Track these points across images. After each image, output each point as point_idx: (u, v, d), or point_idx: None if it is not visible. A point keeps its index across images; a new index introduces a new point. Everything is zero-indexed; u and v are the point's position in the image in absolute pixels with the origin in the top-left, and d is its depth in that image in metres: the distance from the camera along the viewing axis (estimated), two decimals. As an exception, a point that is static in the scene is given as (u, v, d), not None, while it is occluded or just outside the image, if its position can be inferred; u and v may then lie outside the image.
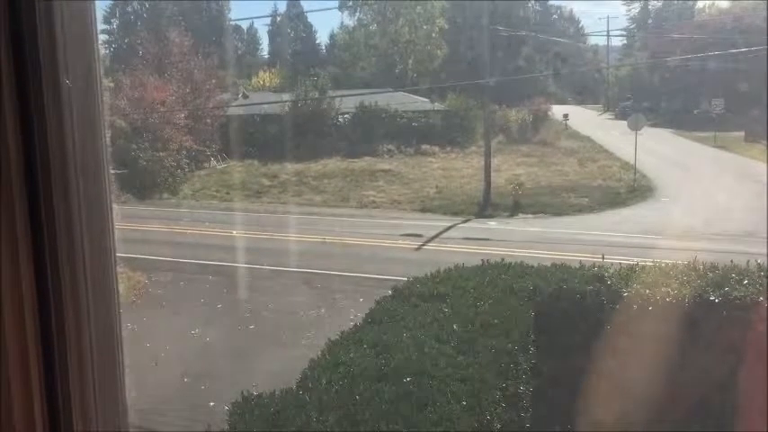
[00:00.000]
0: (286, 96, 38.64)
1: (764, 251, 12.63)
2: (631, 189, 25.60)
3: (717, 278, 6.59)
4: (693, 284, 6.46)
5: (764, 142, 36.56)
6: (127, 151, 27.20)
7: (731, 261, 7.06)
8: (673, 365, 6.12)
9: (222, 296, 13.51)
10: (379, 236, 19.24)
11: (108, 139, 1.21)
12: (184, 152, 29.79)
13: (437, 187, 26.76)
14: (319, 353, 5.46)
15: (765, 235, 17.79)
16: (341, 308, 12.08)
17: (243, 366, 9.50)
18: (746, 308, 6.06)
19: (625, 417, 6.07)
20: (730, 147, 38.62)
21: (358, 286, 13.51)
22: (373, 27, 56.83)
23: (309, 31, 73.06)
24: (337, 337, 5.78)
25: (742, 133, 41.21)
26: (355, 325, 6.15)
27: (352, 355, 5.22)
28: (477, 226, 20.83)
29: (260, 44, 77.93)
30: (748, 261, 7.03)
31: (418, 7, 52.54)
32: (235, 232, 19.80)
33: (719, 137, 40.62)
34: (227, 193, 27.44)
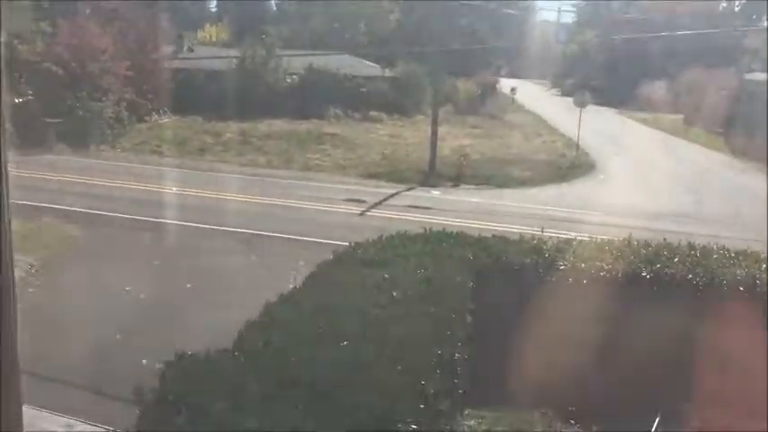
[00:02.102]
0: (233, 53, 37.73)
1: (696, 231, 13.09)
2: (573, 165, 26.10)
3: (649, 255, 6.78)
4: (627, 260, 6.64)
5: (702, 126, 37.73)
6: (63, 100, 26.18)
7: (664, 239, 7.28)
8: (602, 337, 6.30)
9: (158, 253, 13.24)
10: (322, 199, 19.14)
11: (5, 80, 1.13)
12: (125, 104, 28.86)
13: (383, 154, 26.72)
14: (257, 314, 5.40)
15: (700, 216, 18.44)
16: (280, 270, 11.98)
17: (177, 325, 9.36)
18: (676, 284, 6.26)
19: (552, 384, 6.23)
20: (670, 129, 39.69)
21: (299, 249, 13.43)
22: (329, -13, 55.83)
23: (258, -14, 71.20)
24: (276, 299, 5.73)
25: (681, 116, 42.38)
26: (294, 287, 6.11)
27: (290, 317, 5.18)
28: (421, 194, 20.92)
29: (208, -3, 75.66)
30: (679, 240, 7.27)
31: (372, -30, 51.82)
32: (175, 189, 19.39)
33: (660, 118, 41.70)
34: (168, 149, 26.77)
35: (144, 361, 7.75)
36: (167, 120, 32.07)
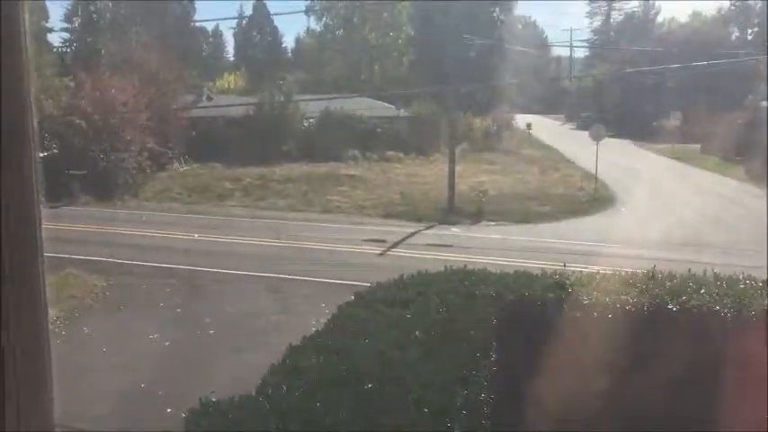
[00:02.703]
0: (251, 99, 38.37)
1: (720, 261, 12.92)
2: (592, 198, 25.99)
3: (674, 287, 6.69)
4: (652, 293, 6.55)
5: (720, 155, 37.48)
6: (86, 152, 26.68)
7: (689, 270, 7.19)
8: (630, 372, 6.19)
9: (182, 300, 13.30)
10: (342, 241, 19.18)
11: (35, 136, 1.19)
12: (146, 154, 29.35)
13: (401, 193, 26.82)
14: (280, 358, 5.40)
15: (722, 245, 18.21)
16: (302, 313, 11.98)
17: (202, 372, 9.36)
18: (703, 316, 6.16)
19: (579, 421, 6.12)
20: (687, 158, 39.51)
21: (320, 291, 13.43)
22: (340, 32, 56.87)
23: (275, 34, 72.83)
24: (298, 342, 5.72)
25: (698, 146, 42.20)
26: (317, 330, 6.09)
27: (313, 360, 5.17)
28: (441, 232, 20.90)
29: (225, 46, 77.47)
30: (705, 270, 7.17)
31: (385, 13, 52.75)
32: (197, 236, 19.56)
33: (677, 149, 41.55)
34: (189, 196, 27.08)
35: (168, 410, 7.75)
36: (187, 167, 32.53)
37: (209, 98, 40.97)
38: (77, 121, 27.39)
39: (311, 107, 36.48)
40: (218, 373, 9.17)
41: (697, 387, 5.93)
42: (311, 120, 37.61)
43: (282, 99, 38.21)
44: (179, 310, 12.68)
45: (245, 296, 13.62)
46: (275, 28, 73.27)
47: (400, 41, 53.88)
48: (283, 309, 12.66)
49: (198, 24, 68.55)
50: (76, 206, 23.71)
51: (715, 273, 7.08)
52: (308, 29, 64.67)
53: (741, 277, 6.94)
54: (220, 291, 13.97)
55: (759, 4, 58.85)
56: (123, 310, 12.70)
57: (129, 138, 28.37)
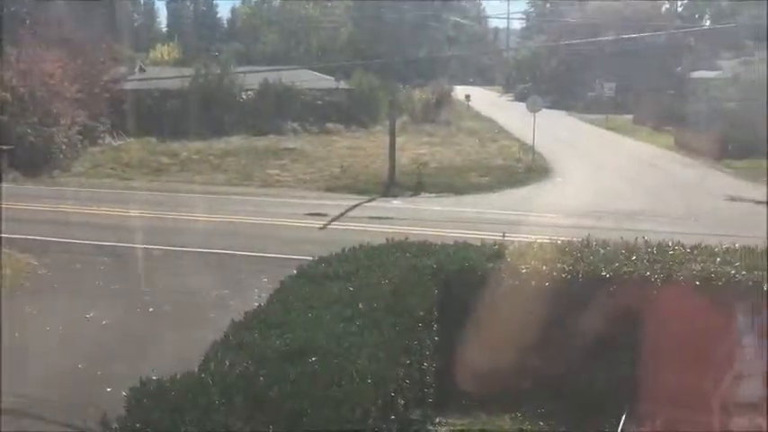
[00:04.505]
0: (186, 71, 37.39)
1: (651, 228, 13.38)
2: (530, 169, 26.44)
3: (608, 254, 6.92)
4: (587, 260, 6.76)
5: (651, 125, 38.61)
6: (13, 126, 25.61)
7: (621, 238, 7.43)
8: (566, 337, 6.40)
9: (120, 278, 13.00)
10: (283, 215, 19.04)
11: None
12: (77, 128, 28.34)
13: (342, 166, 26.72)
14: (222, 334, 5.36)
15: (652, 213, 18.84)
16: (244, 288, 11.89)
17: (142, 350, 9.21)
18: (635, 281, 6.39)
19: (520, 385, 6.31)
20: (620, 129, 40.54)
21: (262, 266, 13.33)
22: (276, 2, 55.85)
23: (210, 3, 70.98)
24: (241, 318, 5.69)
25: (631, 116, 43.34)
26: (260, 305, 6.08)
27: (256, 335, 5.16)
28: (382, 205, 20.96)
29: (158, 16, 75.04)
30: (636, 238, 7.42)
31: (322, -16, 52.00)
32: (132, 212, 19.09)
33: (610, 119, 42.57)
34: (124, 172, 26.36)
35: (108, 389, 7.62)
36: (121, 142, 31.60)
37: (142, 70, 39.78)
38: (2, 94, 26.22)
39: (249, 79, 35.81)
40: (159, 351, 9.05)
41: (628, 348, 6.17)
42: (249, 92, 36.95)
43: (219, 71, 37.38)
44: (117, 287, 12.40)
45: (184, 272, 13.41)
46: (210, -2, 71.44)
47: (338, 12, 53.29)
48: (225, 284, 12.53)
49: (129, -7, 66.25)
50: (5, 183, 22.80)
51: (645, 240, 7.33)
52: (243, -1, 63.21)
53: (670, 244, 7.21)
54: (159, 267, 13.71)
55: (688, -22, 60.41)
56: (58, 289, 12.34)
57: (57, 111, 27.32)
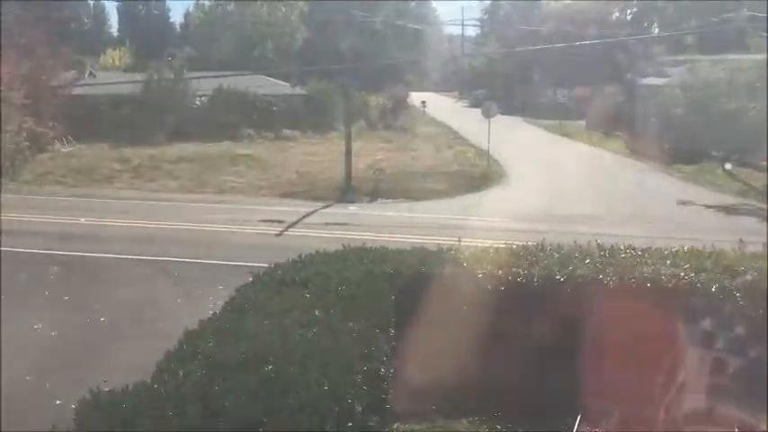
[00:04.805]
0: (138, 77, 36.80)
1: (604, 231, 13.61)
2: (485, 174, 26.70)
3: (562, 258, 7.01)
4: (542, 264, 6.83)
5: (603, 130, 39.40)
6: (-44, 133, 24.84)
7: (575, 241, 7.53)
8: (522, 340, 6.46)
9: (69, 287, 12.68)
10: (238, 221, 18.85)
11: None
12: (24, 134, 27.59)
13: (298, 172, 26.60)
14: (176, 344, 5.26)
15: (605, 217, 19.19)
16: (199, 296, 11.72)
17: (93, 361, 8.99)
18: (588, 284, 6.49)
19: (477, 389, 6.33)
20: (573, 134, 41.27)
21: (217, 274, 13.16)
22: (230, 7, 55.34)
23: (162, 7, 70.07)
24: (195, 326, 5.59)
25: (583, 122, 44.17)
26: (214, 313, 5.98)
27: (211, 344, 5.07)
28: (339, 211, 20.92)
29: (108, 20, 73.66)
30: (589, 241, 7.54)
31: (276, -11, 51.69)
32: (83, 220, 18.67)
33: (564, 125, 43.31)
34: (74, 179, 25.76)
35: (57, 402, 7.41)
36: (72, 148, 30.91)
37: (93, 75, 39.01)
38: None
39: (203, 85, 35.36)
40: (111, 362, 8.85)
41: (583, 349, 6.25)
42: (203, 98, 36.53)
43: (172, 76, 36.85)
44: (66, 297, 12.09)
45: (138, 281, 13.15)
46: (162, 1, 70.51)
47: (293, 17, 53.06)
48: (179, 293, 12.33)
49: (78, -3, 64.95)
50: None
51: (598, 243, 7.45)
52: (197, 2, 62.45)
53: (622, 247, 7.34)
54: (111, 277, 13.42)
55: (637, -14, 61.89)
56: (4, 300, 11.98)
57: (3, 117, 26.54)
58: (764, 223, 19.24)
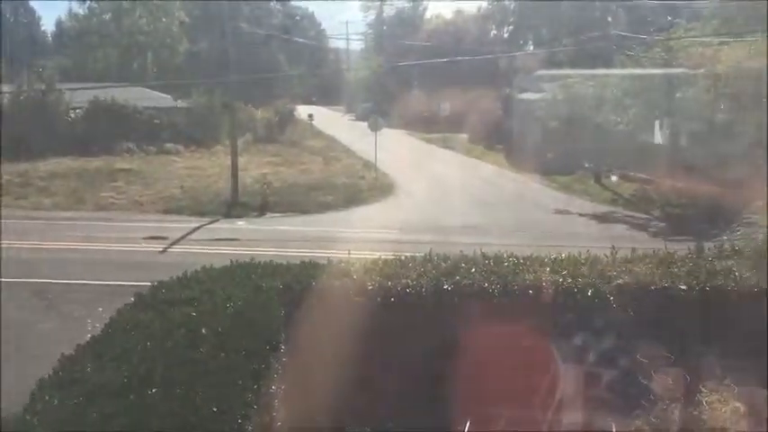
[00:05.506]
0: (5, 88, 34.61)
1: (489, 240, 14.05)
2: (373, 187, 26.98)
3: (449, 268, 7.17)
4: (429, 275, 6.96)
5: (484, 143, 40.84)
6: None
7: (461, 251, 7.73)
8: (413, 350, 6.55)
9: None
10: (119, 239, 18.06)
11: None
12: None
13: (182, 187, 25.85)
14: (51, 371, 4.95)
15: (488, 227, 19.84)
16: (77, 319, 11.08)
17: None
18: (474, 293, 6.68)
19: (369, 402, 6.36)
20: (456, 147, 42.46)
21: (97, 295, 12.53)
22: (107, 16, 53.19)
23: (32, 15, 66.37)
24: (72, 351, 5.29)
25: (466, 135, 45.53)
26: (93, 337, 5.68)
27: (89, 369, 4.81)
28: (226, 226, 20.50)
29: (-29, 28, 68.96)
30: (475, 251, 7.76)
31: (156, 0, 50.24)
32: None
33: (447, 138, 44.48)
34: (-68, 197, 23.86)
35: None
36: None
37: (-47, 86, 36.35)
38: None
39: (78, 97, 33.77)
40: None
41: (471, 354, 6.40)
42: (78, 110, 34.83)
43: (44, 87, 34.92)
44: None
45: (8, 305, 12.30)
46: (31, 9, 66.89)
47: (174, 29, 51.67)
48: (55, 316, 11.65)
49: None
50: None
51: (483, 252, 7.69)
52: (70, 12, 59.50)
53: (505, 255, 7.61)
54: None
55: (513, 5, 64.70)
56: None
57: None
58: (633, 230, 20.57)
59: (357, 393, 6.20)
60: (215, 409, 4.31)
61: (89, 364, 4.90)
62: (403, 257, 7.64)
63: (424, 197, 25.75)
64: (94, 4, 53.82)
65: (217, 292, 6.39)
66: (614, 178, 28.81)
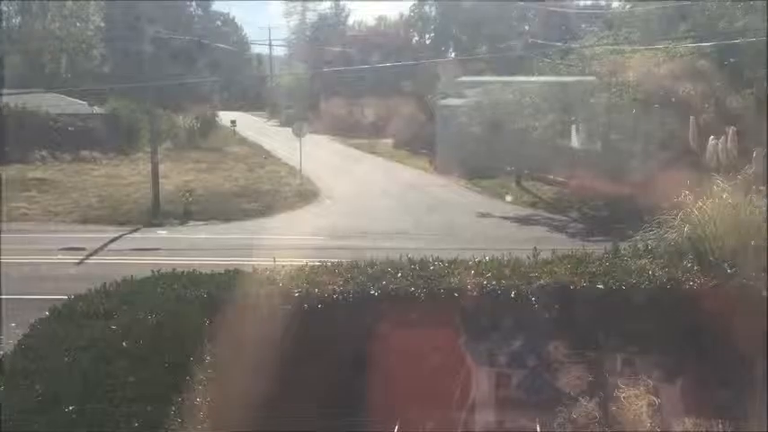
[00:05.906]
0: None
1: (414, 245, 14.19)
2: (298, 193, 26.84)
3: (376, 273, 7.18)
4: (356, 280, 6.96)
5: (408, 148, 41.25)
6: None
7: (387, 257, 7.77)
8: (337, 356, 6.54)
9: None
10: (32, 251, 17.32)
11: None
12: None
13: (100, 196, 25.04)
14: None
15: (414, 231, 20.03)
16: (-14, 337, 10.57)
17: None
18: (401, 298, 6.72)
19: (295, 408, 6.31)
20: (381, 152, 42.73)
21: (9, 311, 11.96)
22: (17, 20, 51.00)
23: (-67, 18, 62.77)
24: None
25: (391, 140, 45.90)
26: (4, 354, 5.42)
27: (1, 389, 4.58)
28: (147, 235, 19.98)
29: None
30: (401, 255, 7.81)
31: (69, 1, 48.53)
32: None
33: (372, 143, 44.72)
34: None
35: None
36: None
37: None
38: None
39: (-16, 103, 32.24)
40: None
41: (398, 358, 6.45)
42: (-16, 118, 33.21)
43: (-53, 93, 33.19)
44: None
45: None
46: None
47: (90, 33, 49.99)
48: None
49: None
50: None
51: (409, 257, 7.74)
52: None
53: (431, 259, 7.68)
54: None
55: (434, 13, 65.64)
56: None
57: None
58: (553, 232, 21.19)
59: (284, 402, 6.15)
60: (135, 425, 4.18)
61: (0, 383, 4.67)
62: (329, 263, 7.62)
63: (348, 202, 25.78)
64: (3, 7, 51.51)
65: (137, 303, 6.21)
66: (534, 181, 29.58)
